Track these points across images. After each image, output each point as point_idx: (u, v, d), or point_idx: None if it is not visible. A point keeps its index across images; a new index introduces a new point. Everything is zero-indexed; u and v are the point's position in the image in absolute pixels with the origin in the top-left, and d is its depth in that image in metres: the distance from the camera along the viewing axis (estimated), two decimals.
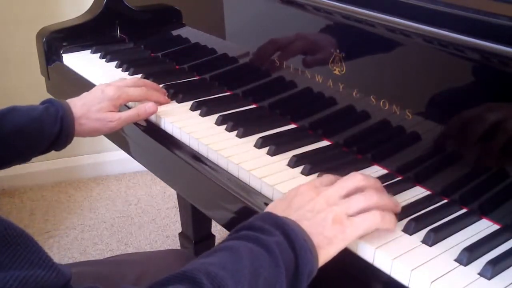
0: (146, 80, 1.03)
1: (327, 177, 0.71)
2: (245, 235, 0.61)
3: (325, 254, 0.63)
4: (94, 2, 1.32)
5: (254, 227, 0.62)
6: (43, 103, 0.91)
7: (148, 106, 0.95)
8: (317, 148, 0.86)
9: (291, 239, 0.61)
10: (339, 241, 0.63)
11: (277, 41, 0.94)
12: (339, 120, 0.87)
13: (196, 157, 0.88)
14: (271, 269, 0.58)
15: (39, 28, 1.28)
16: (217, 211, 0.85)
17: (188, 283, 0.54)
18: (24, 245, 0.42)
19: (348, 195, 0.66)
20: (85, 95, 0.95)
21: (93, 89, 0.96)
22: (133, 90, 0.97)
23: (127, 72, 1.15)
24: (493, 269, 0.60)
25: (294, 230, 0.62)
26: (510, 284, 0.60)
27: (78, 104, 0.92)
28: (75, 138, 0.92)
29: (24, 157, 0.90)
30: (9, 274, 0.39)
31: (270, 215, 0.64)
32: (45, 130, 0.87)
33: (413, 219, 0.68)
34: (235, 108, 0.98)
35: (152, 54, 1.26)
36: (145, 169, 1.07)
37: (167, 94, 1.03)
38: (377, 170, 0.80)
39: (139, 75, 1.12)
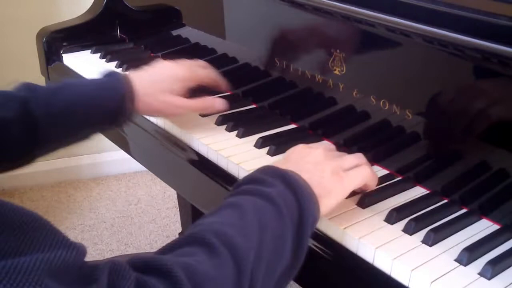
0: (207, 64, 0.96)
1: (323, 143, 0.77)
2: (248, 189, 0.62)
3: (326, 204, 0.65)
4: (94, 2, 1.32)
5: (255, 180, 0.63)
6: (102, 74, 0.84)
7: (218, 102, 0.90)
8: None
9: (293, 188, 0.61)
10: (338, 192, 0.66)
11: (278, 41, 0.94)
12: (339, 120, 0.87)
13: (196, 157, 0.88)
14: (276, 220, 0.59)
15: (39, 28, 1.27)
16: None
17: (198, 244, 0.54)
18: (41, 229, 0.43)
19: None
20: (151, 70, 0.87)
21: (160, 64, 0.89)
22: (202, 71, 0.91)
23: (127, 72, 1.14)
24: (493, 269, 0.60)
25: (295, 179, 0.63)
26: (510, 284, 0.60)
27: (144, 80, 0.84)
28: None
29: (79, 136, 0.83)
30: (34, 257, 0.40)
31: (270, 167, 0.65)
32: (100, 107, 0.80)
33: (413, 219, 0.68)
34: (235, 108, 0.98)
35: (152, 54, 1.26)
36: (145, 169, 1.07)
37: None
38: (377, 170, 0.80)
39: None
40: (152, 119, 0.98)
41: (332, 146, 0.78)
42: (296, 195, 0.61)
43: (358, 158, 0.72)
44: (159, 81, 0.85)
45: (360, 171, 0.69)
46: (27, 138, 0.76)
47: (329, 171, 0.66)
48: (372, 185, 0.71)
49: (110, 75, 0.84)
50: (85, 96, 0.80)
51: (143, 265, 0.50)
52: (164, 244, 0.56)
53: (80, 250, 0.45)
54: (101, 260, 0.48)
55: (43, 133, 0.77)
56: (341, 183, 0.66)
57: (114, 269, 0.47)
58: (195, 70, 0.90)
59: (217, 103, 0.90)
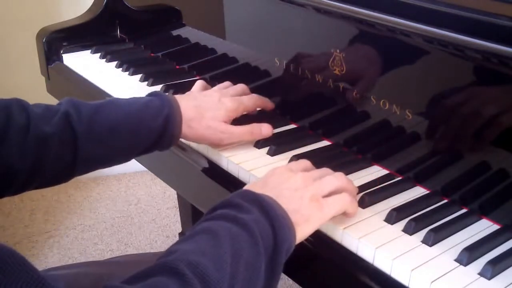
0: (247, 88, 0.94)
1: (303, 162, 0.74)
2: (223, 214, 0.61)
3: (302, 231, 0.64)
4: (94, 2, 1.32)
5: (231, 205, 0.62)
6: (149, 95, 0.81)
7: (265, 128, 0.86)
8: (317, 148, 0.86)
9: (269, 216, 0.61)
10: (316, 219, 0.65)
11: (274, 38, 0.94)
12: (339, 120, 0.87)
13: (196, 157, 0.87)
14: (251, 249, 0.58)
15: (39, 28, 1.27)
16: None
17: (170, 274, 0.53)
18: (15, 265, 0.41)
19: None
20: (199, 97, 0.85)
21: (206, 92, 0.88)
22: (247, 100, 0.88)
23: (127, 72, 1.15)
24: (493, 269, 0.60)
25: (272, 206, 0.62)
26: (510, 284, 0.60)
27: (190, 105, 0.81)
28: None
29: (119, 157, 0.79)
30: None
31: (247, 192, 0.64)
32: (143, 128, 0.77)
33: (413, 219, 0.68)
34: None
35: (152, 54, 1.26)
36: (145, 169, 1.06)
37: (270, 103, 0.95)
38: (377, 170, 0.80)
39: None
40: None
41: (309, 165, 0.74)
42: (271, 223, 0.60)
43: (338, 179, 0.69)
44: (204, 106, 0.83)
45: (340, 199, 0.67)
46: (66, 155, 0.74)
47: (307, 198, 0.65)
48: (353, 212, 0.68)
49: (157, 95, 0.81)
50: (127, 115, 0.77)
51: None
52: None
53: None
54: None
55: (82, 150, 0.74)
56: (320, 210, 0.65)
57: None
58: (241, 101, 0.87)
59: (264, 129, 0.86)
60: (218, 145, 0.84)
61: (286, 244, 0.60)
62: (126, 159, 0.80)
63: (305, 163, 0.74)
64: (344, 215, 0.68)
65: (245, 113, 0.88)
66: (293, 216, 0.63)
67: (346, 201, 0.67)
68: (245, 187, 0.68)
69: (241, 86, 0.92)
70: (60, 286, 0.44)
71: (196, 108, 0.82)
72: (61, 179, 0.77)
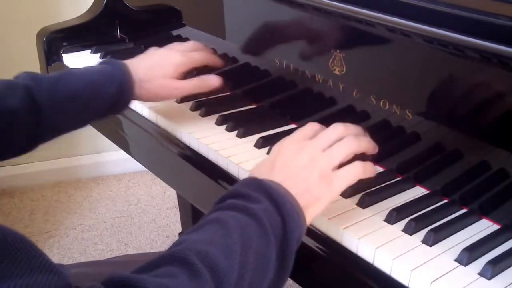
0: (200, 44, 0.99)
1: (311, 127, 0.71)
2: (232, 205, 0.61)
3: (313, 212, 0.63)
4: (94, 2, 1.32)
5: (240, 195, 0.62)
6: (101, 63, 0.87)
7: (213, 79, 0.92)
8: None
9: (277, 204, 0.60)
10: (326, 196, 0.64)
11: (274, 38, 0.94)
12: (339, 120, 0.87)
13: (196, 157, 0.88)
14: (260, 238, 0.58)
15: (39, 28, 1.27)
16: None
17: (179, 264, 0.53)
18: (24, 251, 0.42)
19: (330, 146, 0.67)
20: (147, 58, 0.90)
21: (155, 52, 0.92)
22: (197, 55, 0.93)
23: None
24: (493, 269, 0.60)
25: (280, 194, 0.61)
26: (510, 284, 0.60)
27: (141, 67, 0.87)
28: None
29: (79, 122, 0.86)
30: (12, 283, 0.39)
31: (255, 181, 0.64)
32: (100, 94, 0.83)
33: (413, 219, 0.68)
34: (235, 108, 0.98)
35: None
36: (145, 169, 1.07)
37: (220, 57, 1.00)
38: (377, 170, 0.80)
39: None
40: (153, 119, 0.98)
41: (318, 128, 0.71)
42: (280, 211, 0.60)
43: (349, 147, 0.66)
44: (155, 67, 0.88)
45: (351, 170, 0.65)
46: (32, 126, 0.79)
47: (316, 175, 0.64)
48: (369, 176, 0.67)
49: (108, 63, 0.86)
50: (86, 84, 0.82)
51: (120, 284, 0.49)
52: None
53: (62, 274, 0.43)
54: (83, 283, 0.47)
55: (46, 120, 0.80)
56: (329, 187, 0.64)
57: None
58: (190, 55, 0.92)
59: (212, 80, 0.91)
60: (171, 98, 0.94)
61: (296, 232, 0.60)
62: (84, 124, 0.87)
63: (313, 128, 0.70)
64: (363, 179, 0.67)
65: (194, 66, 0.93)
66: (301, 198, 0.62)
67: (358, 172, 0.66)
68: (253, 170, 0.68)
69: (191, 42, 0.97)
70: (67, 273, 0.44)
71: (146, 69, 0.87)
72: (28, 149, 0.82)
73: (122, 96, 0.84)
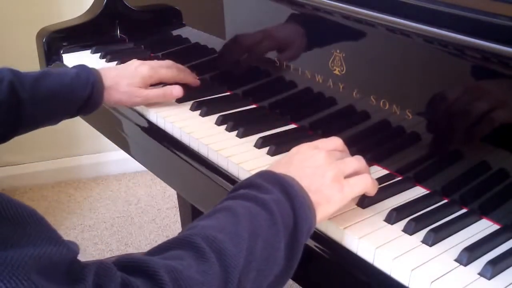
0: (177, 64, 1.06)
1: (332, 142, 0.73)
2: (243, 194, 0.62)
3: (324, 211, 0.65)
4: (94, 2, 1.32)
5: (252, 185, 0.63)
6: (75, 67, 0.95)
7: (176, 89, 0.99)
8: None
9: (290, 196, 0.62)
10: (337, 200, 0.65)
11: (274, 38, 0.94)
12: (339, 120, 0.87)
13: (196, 157, 0.88)
14: (270, 228, 0.59)
15: (39, 28, 1.28)
16: None
17: (188, 248, 0.54)
18: (35, 224, 0.43)
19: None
20: (119, 67, 1.01)
21: (129, 62, 1.01)
22: (165, 71, 1.01)
23: None
24: (493, 269, 0.60)
25: (293, 187, 0.63)
26: (510, 284, 0.60)
27: (110, 75, 0.96)
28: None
29: (54, 119, 0.94)
30: (24, 251, 0.40)
31: (269, 173, 0.65)
32: (75, 95, 0.91)
33: (413, 219, 0.68)
34: (235, 108, 0.98)
35: (152, 54, 1.26)
36: (145, 169, 1.07)
37: (197, 77, 1.07)
38: (377, 170, 0.80)
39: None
40: (152, 119, 0.98)
41: (339, 142, 0.74)
42: (292, 203, 0.61)
43: (359, 161, 0.71)
44: (123, 76, 0.97)
45: (361, 180, 0.68)
46: (11, 119, 0.87)
47: (330, 178, 0.66)
48: (372, 193, 0.70)
49: (82, 68, 0.95)
50: (64, 85, 0.91)
51: (130, 265, 0.51)
52: None
53: (71, 248, 0.45)
54: (91, 261, 0.48)
55: (26, 114, 0.87)
56: (341, 191, 0.66)
57: (101, 269, 0.47)
58: (158, 70, 1.00)
59: (175, 90, 0.99)
60: (135, 105, 1.01)
61: (306, 224, 0.61)
62: (56, 122, 0.95)
63: (335, 143, 0.73)
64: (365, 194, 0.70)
65: (161, 81, 1.01)
66: (314, 196, 0.64)
67: (368, 182, 0.68)
68: (270, 167, 0.69)
69: (166, 61, 1.05)
70: (75, 248, 0.47)
71: (115, 77, 0.96)
72: (5, 140, 0.89)
73: (93, 99, 0.93)
